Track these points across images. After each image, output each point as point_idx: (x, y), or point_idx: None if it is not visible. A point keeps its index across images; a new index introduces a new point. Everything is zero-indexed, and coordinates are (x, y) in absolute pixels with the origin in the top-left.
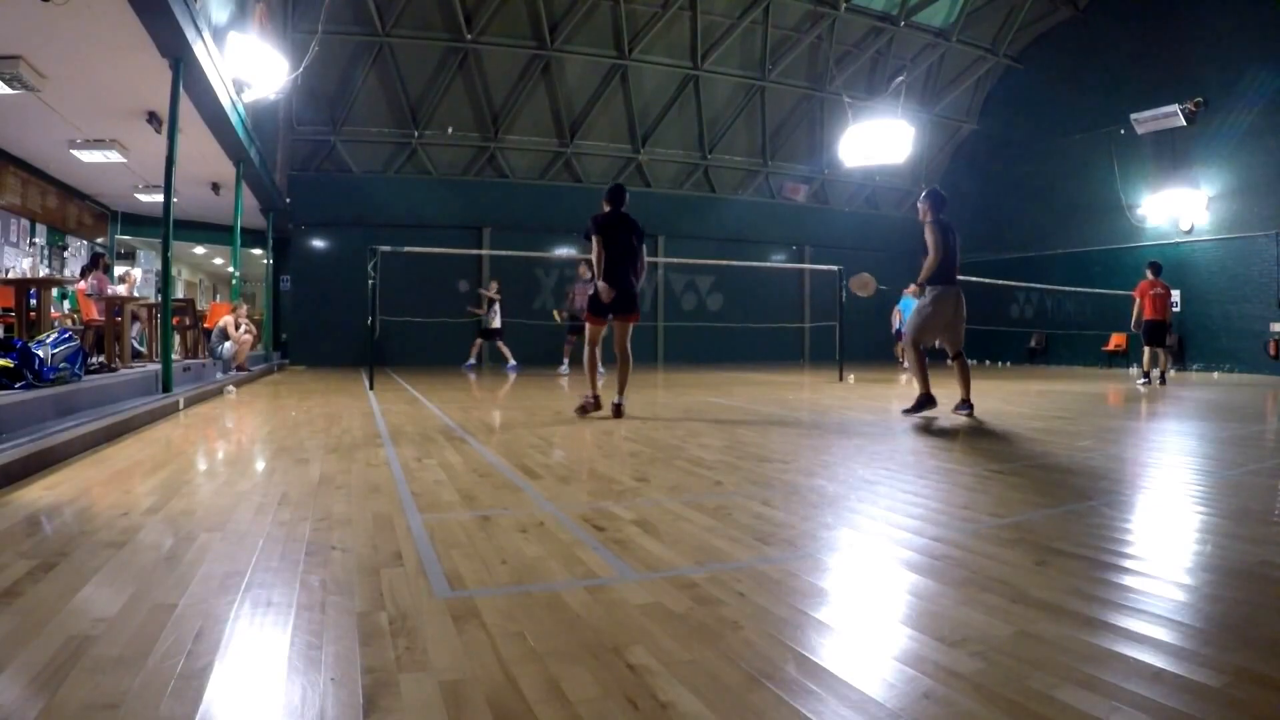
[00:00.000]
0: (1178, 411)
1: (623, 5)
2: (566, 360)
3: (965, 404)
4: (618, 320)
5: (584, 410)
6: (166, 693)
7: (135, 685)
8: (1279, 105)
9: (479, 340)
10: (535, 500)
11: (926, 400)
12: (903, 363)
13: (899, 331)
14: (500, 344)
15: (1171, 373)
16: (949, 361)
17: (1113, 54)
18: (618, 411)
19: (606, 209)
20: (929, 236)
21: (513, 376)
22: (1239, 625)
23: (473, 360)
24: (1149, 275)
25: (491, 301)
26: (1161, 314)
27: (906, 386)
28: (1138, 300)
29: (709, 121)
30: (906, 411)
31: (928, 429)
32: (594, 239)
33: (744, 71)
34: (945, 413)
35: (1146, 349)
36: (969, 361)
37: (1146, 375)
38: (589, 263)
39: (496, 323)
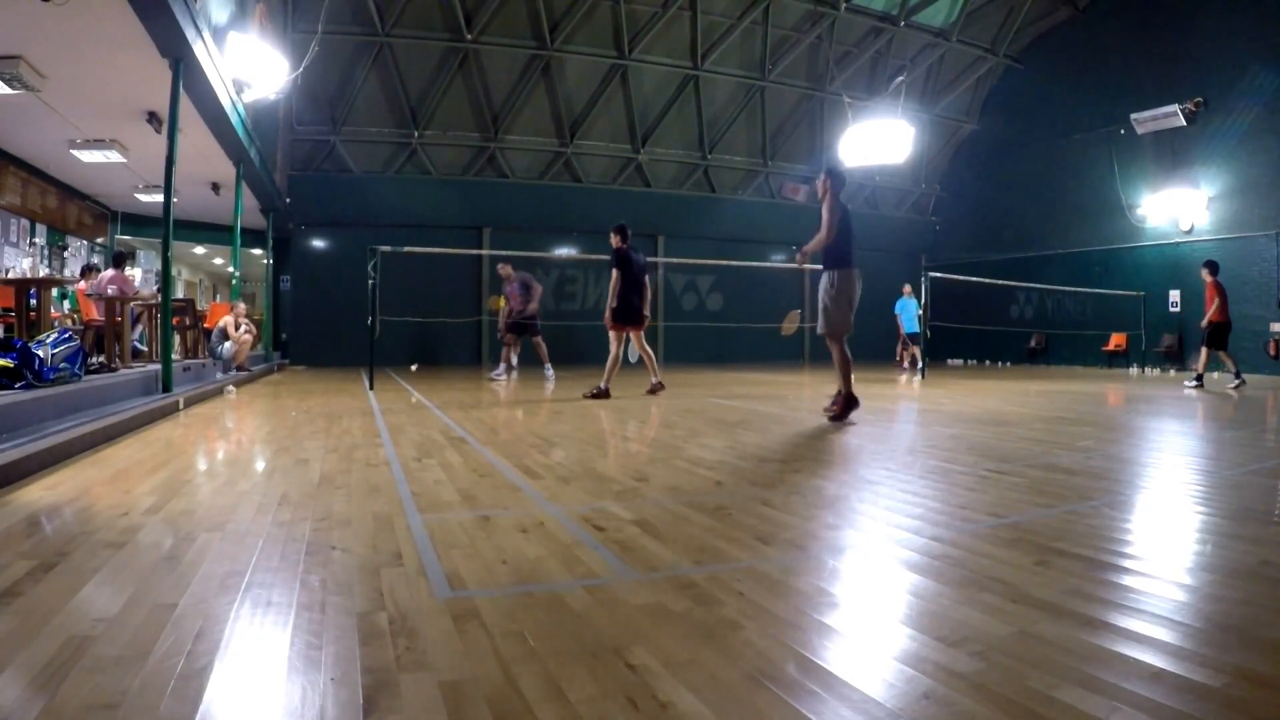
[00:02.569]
0: (1177, 411)
1: (623, 5)
2: (504, 364)
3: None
4: (632, 329)
5: (594, 395)
6: (166, 693)
7: (135, 685)
8: (1279, 105)
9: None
10: (535, 500)
11: (851, 401)
12: (902, 364)
13: (909, 335)
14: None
15: (1172, 372)
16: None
17: (1113, 54)
18: (658, 388)
19: (619, 241)
20: (825, 213)
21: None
22: (1239, 625)
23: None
24: (1213, 275)
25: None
26: (1228, 316)
27: (906, 387)
28: (1216, 301)
29: (709, 121)
30: (834, 419)
31: (927, 429)
32: (615, 271)
33: (744, 71)
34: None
35: (1206, 351)
36: (971, 361)
37: (1199, 379)
38: (513, 264)
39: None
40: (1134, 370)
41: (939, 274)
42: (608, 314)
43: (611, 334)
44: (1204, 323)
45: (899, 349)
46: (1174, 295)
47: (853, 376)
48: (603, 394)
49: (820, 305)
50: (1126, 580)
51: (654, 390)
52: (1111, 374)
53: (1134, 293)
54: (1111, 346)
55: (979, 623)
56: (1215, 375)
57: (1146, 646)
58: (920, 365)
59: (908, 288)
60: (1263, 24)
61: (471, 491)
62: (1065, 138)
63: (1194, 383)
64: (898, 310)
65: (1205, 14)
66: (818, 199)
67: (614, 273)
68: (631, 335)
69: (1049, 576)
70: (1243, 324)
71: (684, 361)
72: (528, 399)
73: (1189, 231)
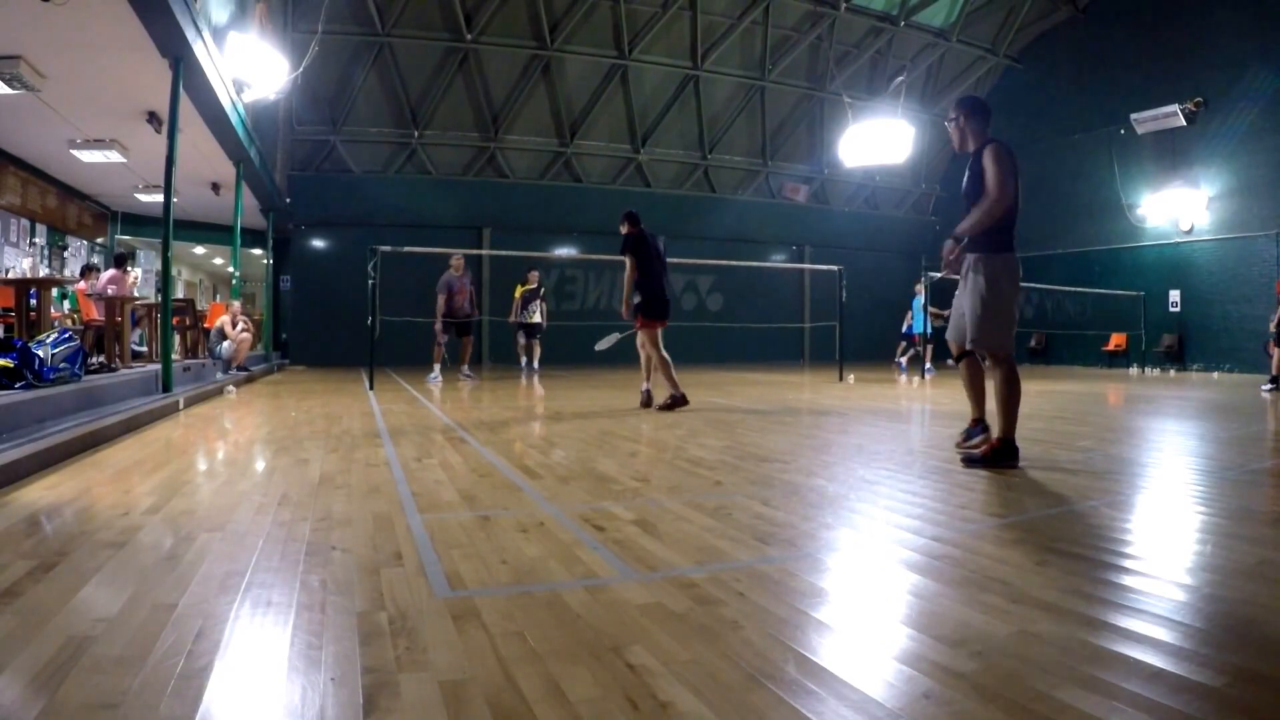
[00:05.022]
0: (1178, 411)
1: (623, 5)
2: (438, 365)
3: (981, 426)
4: (661, 324)
5: (669, 407)
6: (166, 693)
7: (135, 685)
8: (1279, 105)
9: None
10: (535, 500)
11: (1009, 448)
12: (900, 363)
13: (908, 333)
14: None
15: (1172, 372)
16: (950, 362)
17: (1113, 54)
18: (649, 402)
19: (628, 228)
20: (992, 164)
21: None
22: (1239, 625)
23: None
24: None
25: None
26: None
27: (907, 387)
28: None
29: (709, 121)
30: (970, 461)
31: (926, 429)
32: (629, 258)
33: (744, 71)
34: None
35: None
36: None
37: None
38: (464, 259)
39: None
40: (1134, 370)
41: (939, 274)
42: (626, 309)
43: (644, 334)
44: (1274, 324)
45: (901, 347)
46: (1174, 295)
47: (1018, 409)
48: (680, 400)
49: (971, 307)
50: (1126, 580)
51: (647, 403)
52: (1111, 374)
53: (1134, 293)
54: (1111, 346)
55: (979, 623)
56: (1215, 376)
57: (1146, 646)
58: (926, 366)
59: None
60: (1263, 24)
61: (471, 491)
62: (1065, 138)
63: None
64: (914, 309)
65: (1205, 14)
66: (958, 149)
67: (628, 260)
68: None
69: (1049, 576)
70: (1243, 324)
71: (684, 361)
72: (528, 400)
73: (1189, 231)
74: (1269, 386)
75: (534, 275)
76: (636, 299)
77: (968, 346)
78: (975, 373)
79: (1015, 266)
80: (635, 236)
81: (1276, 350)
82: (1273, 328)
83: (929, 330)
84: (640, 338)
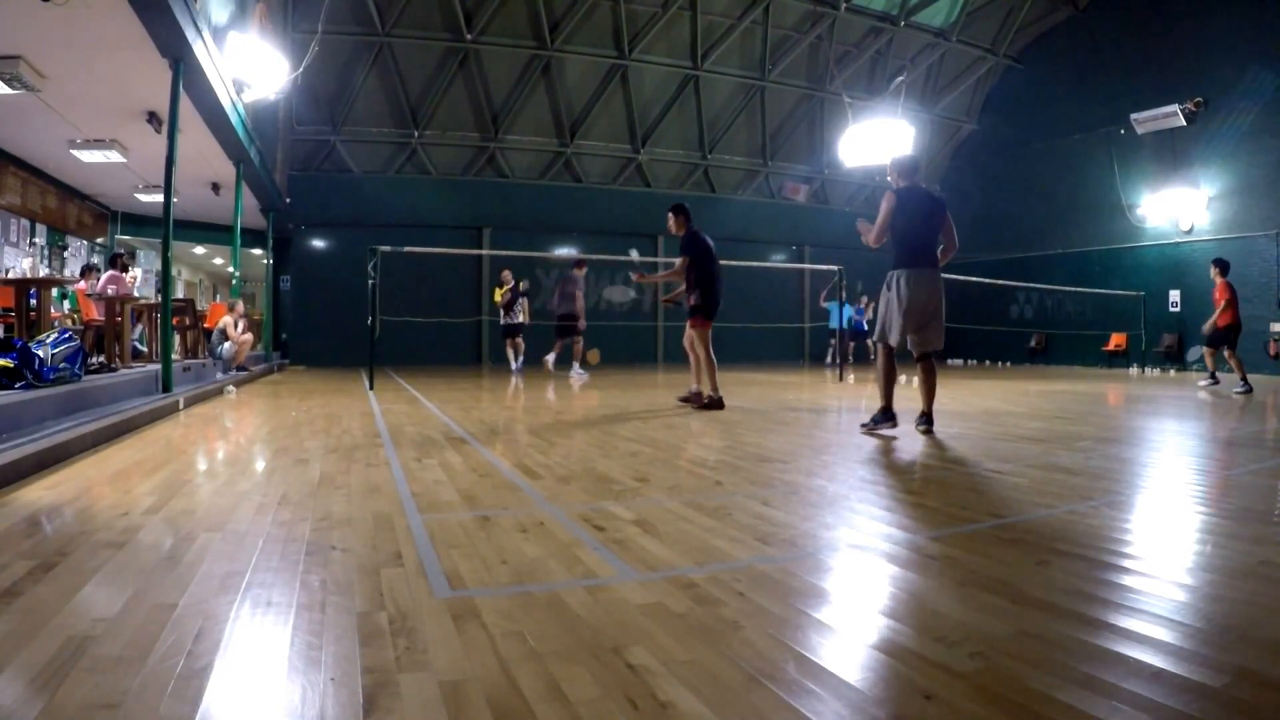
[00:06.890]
0: (1178, 411)
1: (623, 5)
2: (576, 362)
3: (924, 418)
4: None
5: (707, 406)
6: (166, 693)
7: (135, 685)
8: (1279, 105)
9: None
10: (535, 500)
11: (885, 415)
12: (832, 360)
13: (834, 330)
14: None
15: (1172, 372)
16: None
17: (1113, 54)
18: (696, 398)
19: (683, 226)
20: (881, 207)
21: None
22: (1239, 625)
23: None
24: (1223, 274)
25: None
26: (1238, 317)
27: (905, 388)
28: (1223, 303)
29: (709, 121)
30: (864, 427)
31: (927, 431)
32: (685, 257)
33: (744, 71)
34: (907, 430)
35: (1211, 350)
36: (971, 362)
37: (1214, 376)
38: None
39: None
40: (1134, 370)
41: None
42: (663, 294)
43: (696, 332)
44: (1207, 326)
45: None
46: (1174, 295)
47: (893, 390)
48: (717, 403)
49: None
50: (1126, 580)
51: (697, 402)
52: (1111, 374)
53: (1134, 293)
54: (1111, 346)
55: (979, 623)
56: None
57: (1146, 646)
58: (838, 361)
59: (824, 293)
60: (1263, 24)
61: (471, 491)
62: (1065, 138)
63: (1209, 381)
64: (827, 307)
65: (1205, 14)
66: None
67: (682, 260)
68: (695, 332)
69: (1049, 576)
70: (1243, 324)
71: (684, 361)
72: (530, 400)
73: (1189, 231)
74: (1206, 381)
75: (507, 274)
76: (695, 299)
77: (921, 351)
78: (927, 372)
79: (889, 279)
80: (693, 235)
81: (1208, 350)
82: (1205, 329)
83: (837, 325)
84: (691, 337)
